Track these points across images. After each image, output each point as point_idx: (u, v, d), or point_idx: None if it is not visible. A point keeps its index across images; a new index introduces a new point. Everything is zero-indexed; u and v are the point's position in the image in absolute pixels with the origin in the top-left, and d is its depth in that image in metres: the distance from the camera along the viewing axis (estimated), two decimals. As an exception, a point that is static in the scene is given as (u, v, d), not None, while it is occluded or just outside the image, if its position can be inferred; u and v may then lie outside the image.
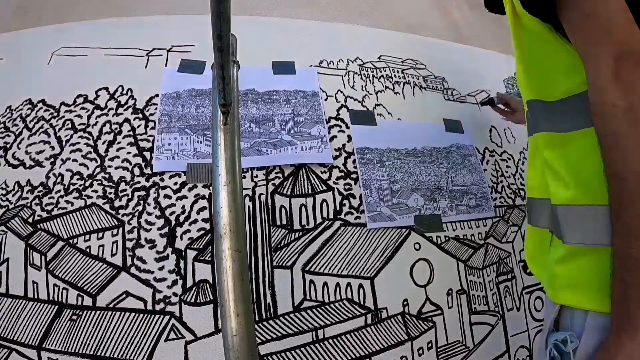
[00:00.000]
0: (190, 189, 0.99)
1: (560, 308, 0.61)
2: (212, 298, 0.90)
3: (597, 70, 0.53)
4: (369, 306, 0.99)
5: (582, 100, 0.58)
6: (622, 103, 0.50)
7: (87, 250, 0.91)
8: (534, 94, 0.69)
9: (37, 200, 0.96)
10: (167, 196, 0.98)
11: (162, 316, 0.87)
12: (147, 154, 1.02)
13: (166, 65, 1.15)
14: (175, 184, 0.99)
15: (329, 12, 1.39)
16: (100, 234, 0.93)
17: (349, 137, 1.16)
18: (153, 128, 1.05)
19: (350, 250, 1.02)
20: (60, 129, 1.05)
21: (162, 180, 0.99)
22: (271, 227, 1.00)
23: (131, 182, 0.99)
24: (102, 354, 0.83)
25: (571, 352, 0.57)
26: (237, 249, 0.57)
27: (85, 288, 0.88)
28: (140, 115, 1.07)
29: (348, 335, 0.95)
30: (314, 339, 0.93)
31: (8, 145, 1.03)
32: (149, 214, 0.96)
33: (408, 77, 1.36)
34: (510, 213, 1.28)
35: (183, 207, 0.97)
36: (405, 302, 1.02)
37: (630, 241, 0.51)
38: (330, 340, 0.94)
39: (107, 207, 0.96)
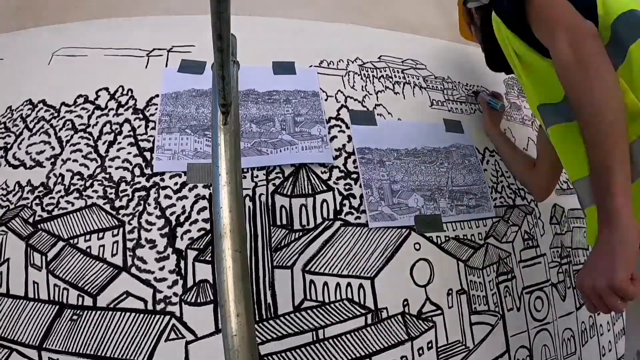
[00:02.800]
0: (190, 189, 0.99)
1: None
2: (212, 298, 0.90)
3: (557, 45, 0.75)
4: (369, 306, 0.99)
5: None
6: (573, 58, 0.72)
7: (88, 250, 0.92)
8: (543, 98, 0.89)
9: (37, 201, 0.96)
10: (167, 196, 0.98)
11: (162, 316, 0.87)
12: (147, 154, 1.02)
13: (166, 66, 1.16)
14: (176, 184, 1.00)
15: (329, 12, 1.39)
16: (100, 234, 0.93)
17: (349, 137, 1.16)
18: (153, 128, 1.05)
19: (350, 250, 1.02)
20: (60, 129, 1.05)
21: (162, 180, 1.00)
22: (271, 227, 1.00)
23: (131, 183, 0.99)
24: (103, 354, 0.83)
25: None
26: (237, 249, 0.57)
27: (85, 288, 0.88)
28: (141, 116, 1.07)
29: (348, 335, 0.95)
30: (314, 339, 0.93)
31: (8, 146, 1.03)
32: (150, 214, 0.96)
33: (408, 77, 1.36)
34: (510, 213, 1.28)
35: (183, 207, 0.98)
36: (405, 302, 1.02)
37: (593, 150, 0.71)
38: (331, 340, 0.94)
39: (107, 207, 0.96)
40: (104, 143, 1.03)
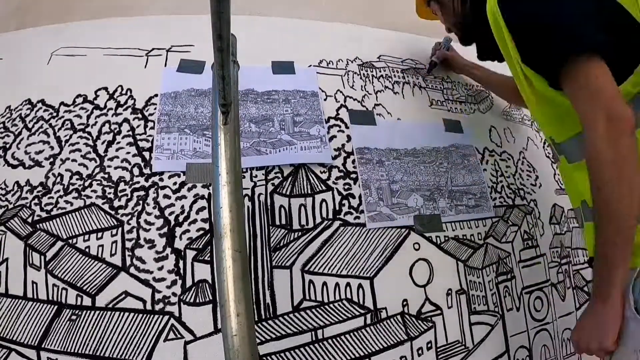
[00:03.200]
0: (189, 189, 0.99)
1: None
2: (211, 298, 0.90)
3: (594, 129, 0.72)
4: (368, 306, 0.99)
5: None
6: (609, 156, 0.71)
7: (87, 250, 0.91)
8: (564, 136, 0.90)
9: (36, 200, 0.95)
10: (166, 196, 0.98)
11: (161, 316, 0.87)
12: (146, 154, 1.02)
13: (165, 65, 1.15)
14: (175, 183, 0.99)
15: (329, 12, 1.39)
16: (99, 234, 0.93)
17: (349, 137, 1.15)
18: (152, 128, 1.05)
19: (349, 250, 1.02)
20: (59, 129, 1.05)
21: (161, 180, 0.99)
22: (270, 227, 1.00)
23: (130, 182, 0.98)
24: (102, 354, 0.83)
25: None
26: (237, 249, 0.57)
27: (84, 288, 0.88)
28: (140, 115, 1.07)
29: (347, 336, 0.95)
30: (314, 339, 0.93)
31: (7, 145, 1.03)
32: (148, 214, 0.96)
33: (408, 77, 1.36)
34: (510, 213, 1.28)
35: (182, 207, 0.97)
36: (404, 302, 1.02)
37: (605, 246, 0.76)
38: (330, 340, 0.94)
39: (106, 207, 0.96)
40: (102, 143, 1.03)
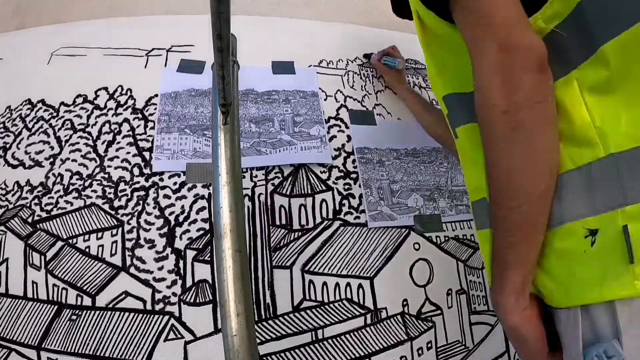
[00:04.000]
0: (189, 189, 0.99)
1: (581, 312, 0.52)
2: (211, 298, 0.90)
3: (480, 65, 0.52)
4: (368, 306, 0.99)
5: None
6: (501, 103, 0.49)
7: (87, 250, 0.91)
8: (449, 88, 0.67)
9: (36, 200, 0.95)
10: (166, 196, 0.98)
11: (161, 316, 0.87)
12: (146, 154, 1.02)
13: (165, 65, 1.15)
14: (175, 184, 0.99)
15: (329, 12, 1.39)
16: (99, 234, 0.93)
17: (349, 137, 1.16)
18: (152, 128, 1.05)
19: (349, 250, 1.02)
20: (59, 129, 1.05)
21: (161, 180, 0.99)
22: (270, 227, 1.00)
23: (130, 182, 0.99)
24: (102, 354, 0.83)
25: None
26: (237, 249, 0.57)
27: (84, 288, 0.88)
28: (140, 115, 1.07)
29: (347, 335, 0.95)
30: (314, 339, 0.93)
31: (7, 145, 1.03)
32: (149, 214, 0.96)
33: (408, 77, 1.36)
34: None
35: (182, 207, 0.97)
36: (404, 302, 1.02)
37: (496, 236, 0.55)
38: (330, 340, 0.94)
39: (106, 207, 0.96)
40: (103, 143, 1.03)
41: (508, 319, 0.56)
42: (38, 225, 0.93)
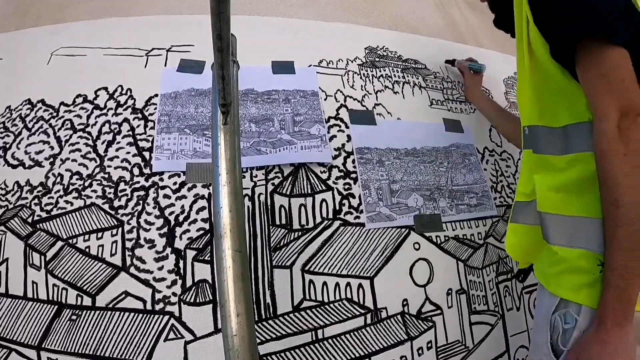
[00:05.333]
0: (189, 189, 0.99)
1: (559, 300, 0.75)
2: (211, 298, 0.90)
3: (604, 119, 0.67)
4: (368, 306, 0.99)
5: (581, 129, 0.74)
6: (622, 148, 0.65)
7: (87, 250, 0.91)
8: (541, 120, 0.82)
9: (36, 200, 0.95)
10: (166, 196, 0.98)
11: (161, 316, 0.87)
12: (146, 154, 1.02)
13: (165, 65, 1.15)
14: (175, 183, 0.99)
15: (328, 12, 1.39)
16: (99, 234, 0.93)
17: (349, 136, 1.15)
18: (152, 128, 1.05)
19: (349, 250, 1.02)
20: (59, 129, 1.05)
21: (161, 180, 0.99)
22: (270, 227, 1.00)
23: (130, 182, 0.98)
24: (102, 354, 0.83)
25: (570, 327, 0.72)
26: (237, 249, 0.57)
27: (84, 288, 0.88)
28: (140, 115, 1.07)
29: (348, 335, 0.95)
30: (314, 338, 0.93)
31: (7, 145, 1.03)
32: (149, 213, 0.96)
33: (408, 77, 1.36)
34: (510, 213, 1.28)
35: (182, 207, 0.97)
36: (404, 302, 1.02)
37: (622, 252, 0.66)
38: (330, 340, 0.94)
39: (106, 207, 0.96)
40: (102, 143, 1.03)
41: (630, 325, 0.67)
42: (38, 225, 0.93)
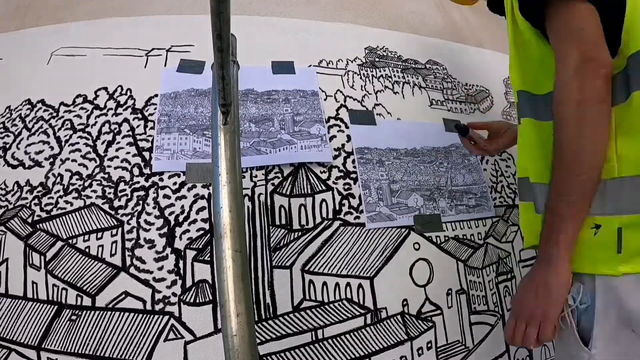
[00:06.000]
0: (189, 189, 0.99)
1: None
2: (211, 298, 0.90)
3: (564, 66, 0.68)
4: (368, 306, 0.99)
5: None
6: (576, 97, 0.66)
7: (87, 250, 0.91)
8: (524, 85, 0.82)
9: (36, 201, 0.95)
10: (166, 196, 0.98)
11: (161, 316, 0.87)
12: (146, 154, 1.02)
13: (165, 65, 1.15)
14: (175, 184, 0.99)
15: (329, 12, 1.39)
16: (99, 234, 0.93)
17: (349, 136, 1.15)
18: (152, 128, 1.05)
19: (349, 250, 1.02)
20: (59, 129, 1.05)
21: (161, 180, 0.99)
22: (270, 227, 1.00)
23: (130, 182, 0.98)
24: (102, 354, 0.83)
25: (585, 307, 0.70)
26: (237, 249, 0.57)
27: (84, 288, 0.88)
28: (140, 115, 1.07)
29: (347, 335, 0.95)
30: (314, 339, 0.93)
31: (7, 146, 1.03)
32: (148, 214, 0.96)
33: (408, 77, 1.36)
34: (509, 213, 1.28)
35: (182, 207, 0.97)
36: (404, 302, 1.02)
37: (557, 197, 0.69)
38: (330, 340, 0.94)
39: (106, 207, 0.96)
40: (102, 143, 1.03)
41: (559, 265, 0.69)
42: (38, 226, 0.93)
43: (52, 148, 1.02)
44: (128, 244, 0.93)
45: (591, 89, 0.65)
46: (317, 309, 0.96)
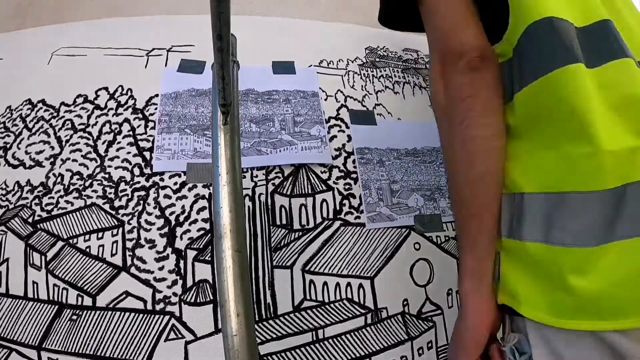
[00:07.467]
0: (190, 189, 0.99)
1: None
2: (212, 298, 0.90)
3: (431, 70, 0.60)
4: (369, 306, 0.99)
5: None
6: (442, 101, 0.58)
7: (87, 250, 0.91)
8: None
9: (37, 200, 0.96)
10: (167, 196, 0.98)
11: (162, 316, 0.87)
12: (147, 154, 1.02)
13: (166, 65, 1.15)
14: (175, 184, 0.99)
15: (329, 12, 1.39)
16: (100, 234, 0.93)
17: (349, 137, 1.15)
18: (153, 128, 1.05)
19: (350, 250, 1.02)
20: (60, 129, 1.05)
21: (162, 180, 0.99)
22: (271, 227, 1.00)
23: (131, 182, 0.99)
24: (102, 354, 0.83)
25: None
26: (237, 249, 0.57)
27: (85, 288, 0.88)
28: (140, 115, 1.07)
29: (348, 335, 0.95)
30: (314, 338, 0.93)
31: (8, 146, 1.03)
32: (149, 214, 0.96)
33: (408, 76, 1.36)
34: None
35: (183, 207, 0.97)
36: (405, 302, 1.02)
37: (455, 209, 0.60)
38: (330, 340, 0.94)
39: (107, 207, 0.96)
40: (103, 143, 1.03)
41: (468, 304, 0.58)
42: (38, 225, 0.93)
43: (52, 148, 1.02)
44: (129, 244, 0.93)
45: (451, 88, 0.55)
46: (318, 308, 0.96)
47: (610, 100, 0.49)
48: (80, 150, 1.02)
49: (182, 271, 0.92)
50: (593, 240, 0.47)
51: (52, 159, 1.01)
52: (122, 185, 0.98)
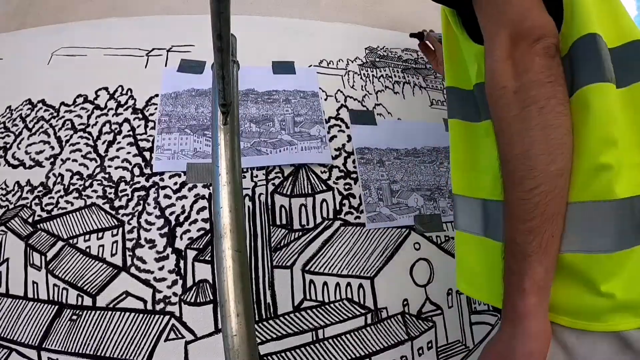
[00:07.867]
0: (190, 189, 0.99)
1: None
2: (212, 298, 0.90)
3: (492, 51, 0.53)
4: (369, 306, 0.99)
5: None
6: (512, 84, 0.50)
7: (87, 250, 0.91)
8: (453, 81, 0.72)
9: (37, 201, 0.96)
10: (167, 196, 0.98)
11: (162, 316, 0.87)
12: (147, 154, 1.02)
13: (166, 65, 1.15)
14: (175, 184, 0.99)
15: (329, 12, 1.39)
16: (100, 234, 0.93)
17: (349, 137, 1.15)
18: (153, 128, 1.05)
19: (350, 250, 1.02)
20: (60, 129, 1.05)
21: (162, 180, 0.99)
22: (271, 227, 1.00)
23: (131, 182, 0.99)
24: (102, 354, 0.83)
25: None
26: (237, 249, 0.57)
27: (85, 288, 0.88)
28: (140, 115, 1.07)
29: (348, 335, 0.95)
30: (314, 338, 0.93)
31: (8, 146, 1.03)
32: (149, 214, 0.96)
33: (408, 77, 1.36)
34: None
35: (183, 207, 0.97)
36: (405, 302, 1.02)
37: (512, 224, 0.51)
38: (330, 340, 0.94)
39: (107, 207, 0.96)
40: (103, 143, 1.03)
41: (528, 324, 0.49)
42: (38, 225, 0.93)
43: (52, 148, 1.02)
44: (129, 244, 0.93)
45: (530, 70, 0.49)
46: (318, 308, 0.96)
47: (634, 119, 0.50)
48: (80, 150, 1.02)
49: (182, 271, 0.92)
50: (618, 246, 0.47)
51: (52, 159, 1.01)
52: (122, 185, 0.98)
